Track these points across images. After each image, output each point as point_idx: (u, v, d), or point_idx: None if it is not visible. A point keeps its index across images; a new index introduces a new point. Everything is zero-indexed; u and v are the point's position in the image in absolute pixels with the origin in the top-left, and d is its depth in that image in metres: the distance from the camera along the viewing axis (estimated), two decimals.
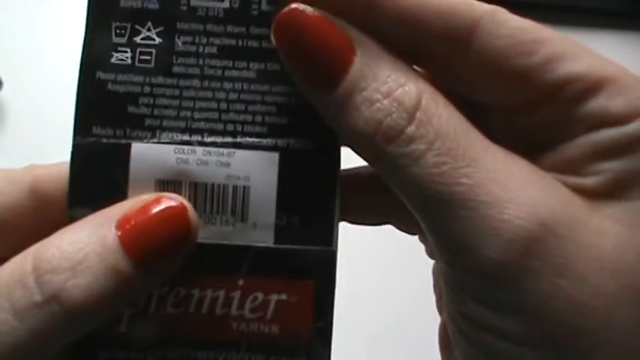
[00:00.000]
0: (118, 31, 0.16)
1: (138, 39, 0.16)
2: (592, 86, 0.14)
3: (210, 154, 0.16)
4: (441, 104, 0.14)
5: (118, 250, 0.14)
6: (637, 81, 0.15)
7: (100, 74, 0.16)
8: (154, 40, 0.16)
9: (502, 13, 0.14)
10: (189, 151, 0.16)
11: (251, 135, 0.16)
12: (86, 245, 0.14)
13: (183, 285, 0.16)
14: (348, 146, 0.15)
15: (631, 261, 0.14)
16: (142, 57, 0.16)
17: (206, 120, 0.16)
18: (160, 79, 0.16)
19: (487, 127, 0.16)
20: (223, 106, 0.16)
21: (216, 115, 0.16)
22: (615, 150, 0.14)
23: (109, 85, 0.16)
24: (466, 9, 0.14)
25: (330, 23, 0.14)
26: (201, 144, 0.16)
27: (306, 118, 0.16)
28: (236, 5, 0.16)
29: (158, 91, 0.16)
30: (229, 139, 0.16)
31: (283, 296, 0.16)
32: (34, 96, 0.48)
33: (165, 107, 0.16)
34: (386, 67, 0.14)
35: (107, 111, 0.16)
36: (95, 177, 0.16)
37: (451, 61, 0.15)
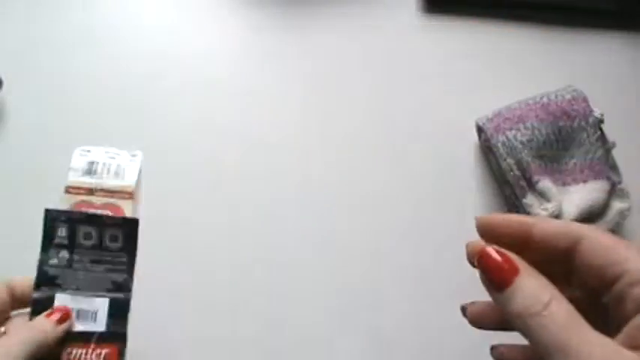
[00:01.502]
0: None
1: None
2: None
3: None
4: (564, 306, 0.22)
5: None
6: None
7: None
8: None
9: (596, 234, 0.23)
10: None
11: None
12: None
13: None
14: (509, 320, 0.23)
15: None
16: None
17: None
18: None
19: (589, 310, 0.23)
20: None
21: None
22: None
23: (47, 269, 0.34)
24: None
25: (505, 255, 0.23)
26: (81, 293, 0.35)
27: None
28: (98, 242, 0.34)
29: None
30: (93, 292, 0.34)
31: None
32: (34, 96, 0.48)
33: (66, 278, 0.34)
34: (534, 284, 0.23)
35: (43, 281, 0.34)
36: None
37: (564, 270, 0.24)
